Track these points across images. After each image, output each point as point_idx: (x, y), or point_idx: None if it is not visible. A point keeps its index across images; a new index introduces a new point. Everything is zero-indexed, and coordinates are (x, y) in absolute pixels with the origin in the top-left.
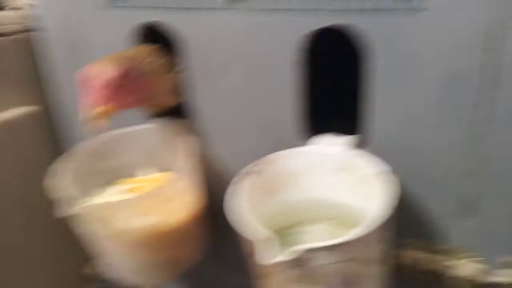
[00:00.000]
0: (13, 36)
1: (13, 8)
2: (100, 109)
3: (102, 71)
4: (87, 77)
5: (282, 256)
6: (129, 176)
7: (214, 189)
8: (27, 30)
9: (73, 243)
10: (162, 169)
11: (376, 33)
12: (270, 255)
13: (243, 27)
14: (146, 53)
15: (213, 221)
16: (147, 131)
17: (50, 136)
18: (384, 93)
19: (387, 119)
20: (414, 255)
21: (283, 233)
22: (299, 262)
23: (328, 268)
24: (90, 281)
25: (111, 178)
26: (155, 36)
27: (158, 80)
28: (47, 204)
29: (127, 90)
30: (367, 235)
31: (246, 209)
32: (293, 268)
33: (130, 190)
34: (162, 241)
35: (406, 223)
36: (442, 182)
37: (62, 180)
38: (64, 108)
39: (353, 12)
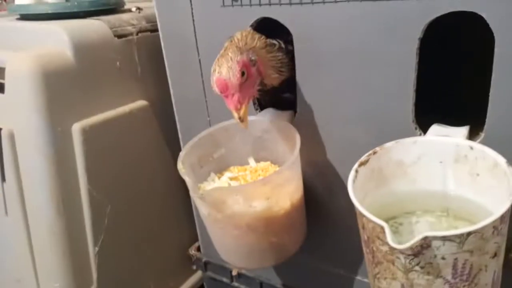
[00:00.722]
0: (132, 36)
1: (131, 10)
2: (241, 112)
3: (227, 79)
4: (221, 89)
5: (408, 243)
6: (238, 164)
7: (315, 180)
8: (146, 30)
9: (181, 224)
10: (269, 159)
11: (497, 18)
12: (394, 241)
13: (356, 18)
14: (249, 37)
15: (314, 211)
16: (256, 122)
17: (165, 126)
18: (507, 81)
19: (507, 109)
20: None
21: (392, 223)
22: (420, 250)
23: (447, 258)
24: (195, 262)
25: (222, 165)
26: (268, 30)
27: (264, 60)
28: (159, 187)
29: (249, 84)
30: (484, 228)
31: (359, 198)
32: (413, 256)
33: (239, 178)
34: (268, 227)
35: None
36: None
37: (182, 166)
38: (178, 101)
39: None
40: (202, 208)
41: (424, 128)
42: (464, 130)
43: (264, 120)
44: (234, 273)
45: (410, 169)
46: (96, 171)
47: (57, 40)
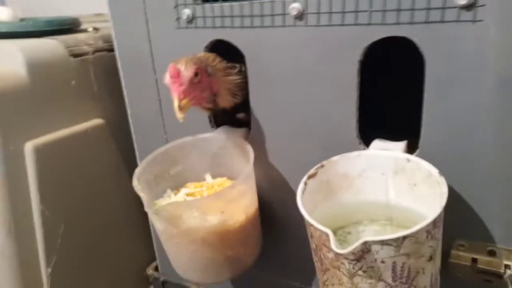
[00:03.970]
0: (88, 56)
1: (88, 30)
2: (182, 102)
3: (181, 69)
4: (172, 74)
5: (349, 247)
6: (196, 180)
7: (269, 193)
8: (103, 50)
9: (138, 244)
10: (225, 175)
11: (427, 43)
12: (338, 247)
13: (303, 42)
14: (210, 58)
15: (269, 224)
16: (212, 139)
17: (122, 145)
18: (437, 99)
19: (438, 125)
20: (473, 256)
21: (341, 232)
22: (362, 255)
23: (386, 261)
24: (152, 282)
25: (179, 182)
26: (222, 51)
27: (220, 81)
28: (115, 206)
29: (199, 87)
30: (418, 232)
31: (308, 210)
32: (356, 260)
33: (195, 193)
34: (223, 241)
35: (464, 224)
36: (497, 185)
37: (137, 183)
38: (135, 120)
39: (404, 24)
40: (157, 224)
41: (369, 142)
42: (402, 144)
43: (220, 137)
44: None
45: (356, 181)
46: (49, 191)
47: (12, 59)
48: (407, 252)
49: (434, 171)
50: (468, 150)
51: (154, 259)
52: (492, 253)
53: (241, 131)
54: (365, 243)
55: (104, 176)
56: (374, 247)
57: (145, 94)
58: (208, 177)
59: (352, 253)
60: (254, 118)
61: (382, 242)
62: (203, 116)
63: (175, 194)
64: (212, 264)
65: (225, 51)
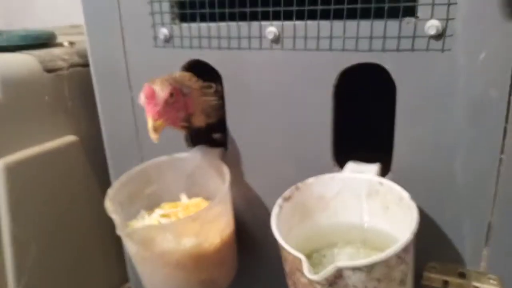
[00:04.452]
0: (63, 71)
1: (64, 44)
2: (156, 123)
3: (156, 90)
4: (147, 94)
5: (322, 273)
6: (171, 200)
7: (246, 214)
8: (78, 65)
9: (111, 265)
10: (201, 195)
11: (398, 71)
12: (311, 272)
13: (279, 65)
14: (186, 77)
15: (245, 245)
16: (187, 159)
17: (96, 162)
18: (408, 124)
19: (410, 148)
20: (444, 278)
21: (316, 255)
22: (334, 280)
23: (358, 286)
24: None
25: (154, 202)
26: (198, 69)
27: (195, 101)
28: (87, 226)
29: (174, 108)
30: (388, 258)
31: (284, 232)
32: (329, 285)
33: (170, 215)
34: (198, 263)
35: (437, 246)
36: (468, 208)
37: (110, 204)
38: (109, 138)
39: (377, 52)
40: (130, 246)
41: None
42: (375, 167)
43: (196, 157)
44: None
45: (331, 203)
46: (20, 209)
47: None
48: (377, 277)
49: (406, 195)
50: (439, 173)
51: (127, 280)
52: (462, 275)
53: (217, 151)
54: (337, 268)
55: (77, 195)
56: (346, 272)
57: (120, 111)
58: (183, 197)
59: (325, 278)
60: (230, 137)
61: (354, 268)
62: (180, 135)
63: (149, 214)
64: (186, 287)
65: (202, 69)
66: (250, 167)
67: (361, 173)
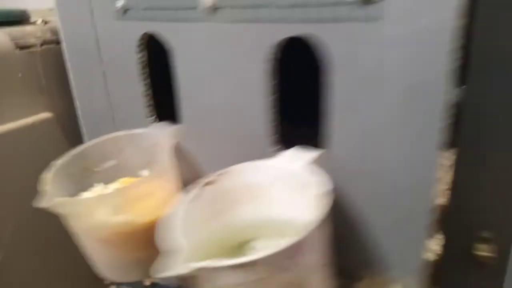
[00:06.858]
0: (36, 48)
1: (37, 23)
2: None
3: None
4: None
5: (173, 270)
6: (133, 176)
7: None
8: (52, 42)
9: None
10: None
11: (334, 44)
12: (163, 268)
13: (219, 38)
14: None
15: None
16: (145, 135)
17: (72, 139)
18: (343, 106)
19: (346, 134)
20: (370, 286)
21: (242, 248)
22: (196, 279)
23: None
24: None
25: (114, 176)
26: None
27: None
28: None
29: None
30: (271, 257)
31: (181, 219)
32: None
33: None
34: (130, 241)
35: (364, 252)
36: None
37: (47, 175)
38: (84, 114)
39: (312, 22)
40: (65, 221)
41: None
42: (316, 154)
43: (154, 133)
44: (147, 283)
45: (260, 193)
46: None
47: None
48: (261, 277)
49: (327, 189)
50: (371, 166)
51: None
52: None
53: (174, 128)
54: (199, 269)
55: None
56: (210, 272)
57: (93, 86)
58: (144, 174)
59: (180, 275)
60: (181, 114)
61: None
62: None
63: (94, 189)
64: (121, 264)
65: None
66: (198, 145)
67: (295, 162)
